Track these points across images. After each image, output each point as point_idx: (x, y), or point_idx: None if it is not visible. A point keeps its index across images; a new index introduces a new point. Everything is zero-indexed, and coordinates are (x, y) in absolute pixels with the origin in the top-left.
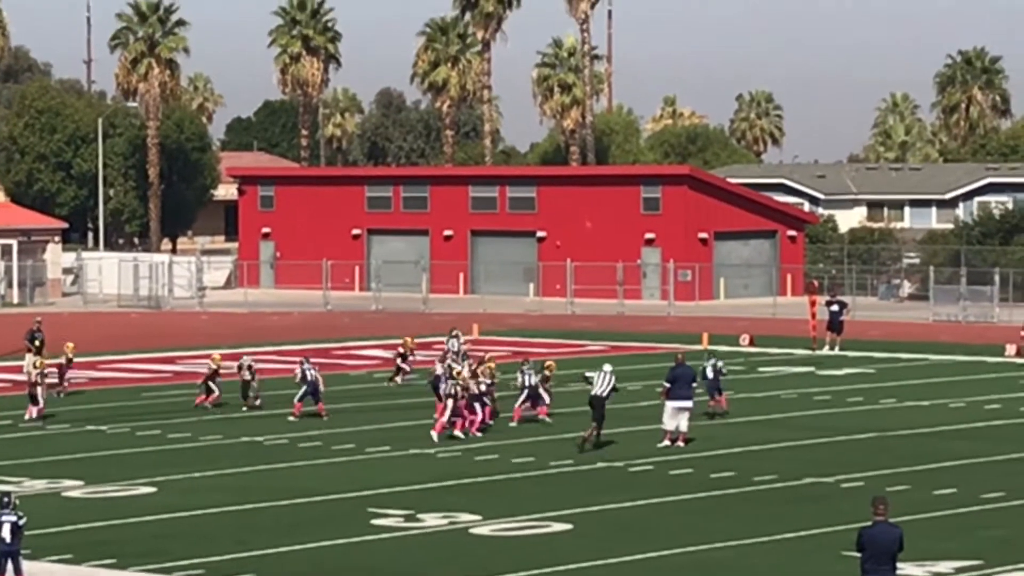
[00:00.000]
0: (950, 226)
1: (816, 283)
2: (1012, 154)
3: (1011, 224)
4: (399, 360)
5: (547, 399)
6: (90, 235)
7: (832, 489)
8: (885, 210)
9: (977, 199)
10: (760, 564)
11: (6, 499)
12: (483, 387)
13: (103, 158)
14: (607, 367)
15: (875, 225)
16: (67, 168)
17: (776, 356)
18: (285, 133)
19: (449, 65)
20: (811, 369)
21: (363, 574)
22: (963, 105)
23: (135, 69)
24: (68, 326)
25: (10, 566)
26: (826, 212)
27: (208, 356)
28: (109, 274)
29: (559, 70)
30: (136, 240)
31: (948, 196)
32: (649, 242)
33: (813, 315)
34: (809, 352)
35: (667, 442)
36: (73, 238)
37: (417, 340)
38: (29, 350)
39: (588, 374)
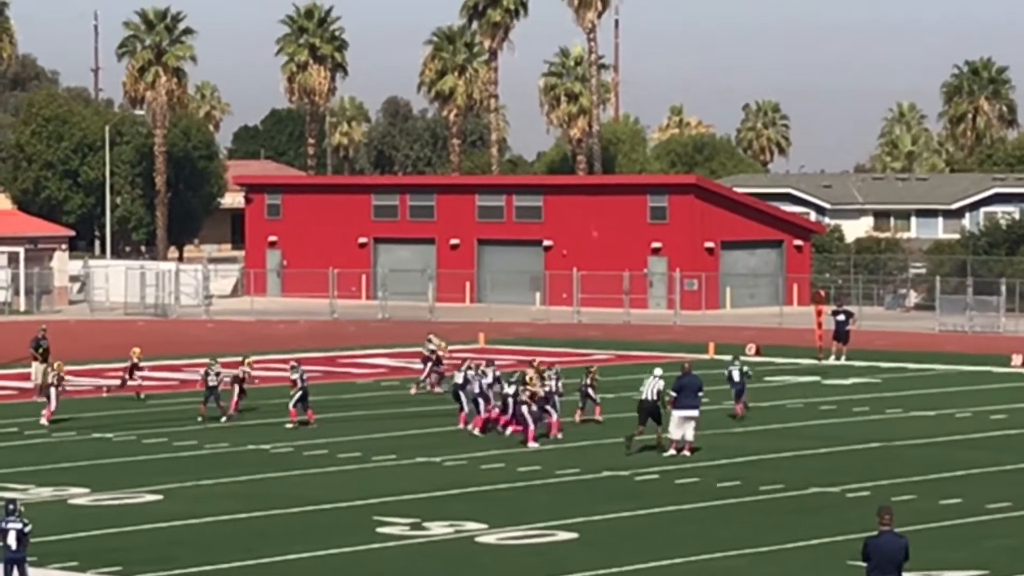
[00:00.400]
0: (956, 236)
1: (822, 293)
2: (1019, 164)
3: (1017, 234)
4: (432, 364)
5: (596, 400)
6: (97, 243)
7: (838, 499)
8: (891, 220)
9: (983, 209)
10: (766, 573)
11: (12, 506)
12: (548, 388)
13: (110, 166)
14: (658, 371)
15: (881, 235)
16: (74, 176)
17: (782, 365)
18: (292, 141)
19: (456, 74)
20: (817, 378)
21: None
22: (970, 115)
23: (142, 77)
24: (74, 334)
25: (16, 573)
26: (832, 222)
27: (237, 364)
28: (116, 282)
29: (566, 79)
30: (143, 248)
31: (954, 206)
32: (655, 251)
33: (819, 324)
34: (815, 362)
35: (673, 451)
36: (80, 246)
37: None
38: (35, 358)
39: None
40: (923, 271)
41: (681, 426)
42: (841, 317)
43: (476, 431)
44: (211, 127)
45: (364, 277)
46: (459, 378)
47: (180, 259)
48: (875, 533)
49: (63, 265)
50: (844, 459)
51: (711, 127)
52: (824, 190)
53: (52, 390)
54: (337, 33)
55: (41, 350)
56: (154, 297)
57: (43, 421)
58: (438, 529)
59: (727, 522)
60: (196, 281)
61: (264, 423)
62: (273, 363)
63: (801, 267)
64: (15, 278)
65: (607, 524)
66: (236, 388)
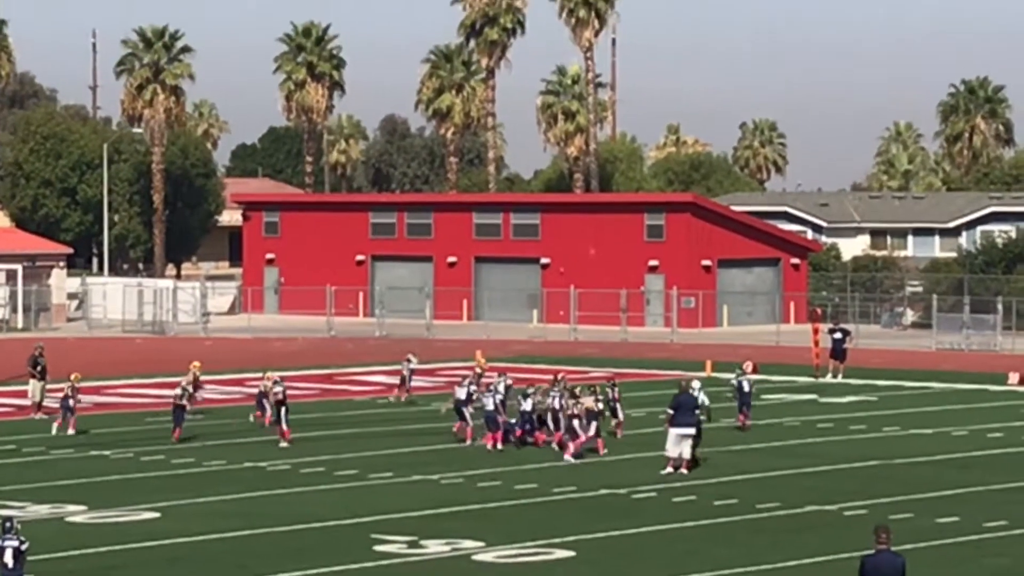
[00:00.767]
0: (953, 255)
1: (819, 311)
2: (1015, 183)
3: (1014, 253)
4: (474, 380)
5: (620, 415)
6: (95, 260)
7: (835, 517)
8: (888, 238)
9: (980, 228)
10: None
11: (8, 524)
12: (600, 405)
13: (108, 184)
14: (696, 383)
15: (878, 253)
16: (72, 194)
17: (779, 383)
18: (290, 159)
19: (453, 92)
20: (814, 397)
21: None
22: (966, 134)
23: (140, 95)
24: (72, 351)
25: None
26: (829, 240)
27: (263, 377)
28: (113, 299)
29: (563, 98)
30: (141, 265)
31: (951, 225)
32: (653, 269)
33: (816, 343)
34: (812, 380)
35: (670, 469)
36: (78, 263)
37: (424, 366)
38: (32, 375)
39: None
40: (920, 289)
41: (678, 444)
42: (838, 335)
43: (490, 446)
44: (209, 145)
45: (361, 295)
46: (461, 394)
47: (178, 276)
48: (872, 552)
49: (61, 282)
50: (841, 477)
51: (708, 146)
52: (821, 208)
53: (70, 401)
54: (335, 51)
55: (39, 368)
56: (152, 314)
57: (71, 431)
58: (435, 547)
59: (724, 540)
60: (194, 298)
61: (261, 440)
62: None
63: (798, 285)
64: (13, 295)
65: (604, 542)
66: (259, 401)
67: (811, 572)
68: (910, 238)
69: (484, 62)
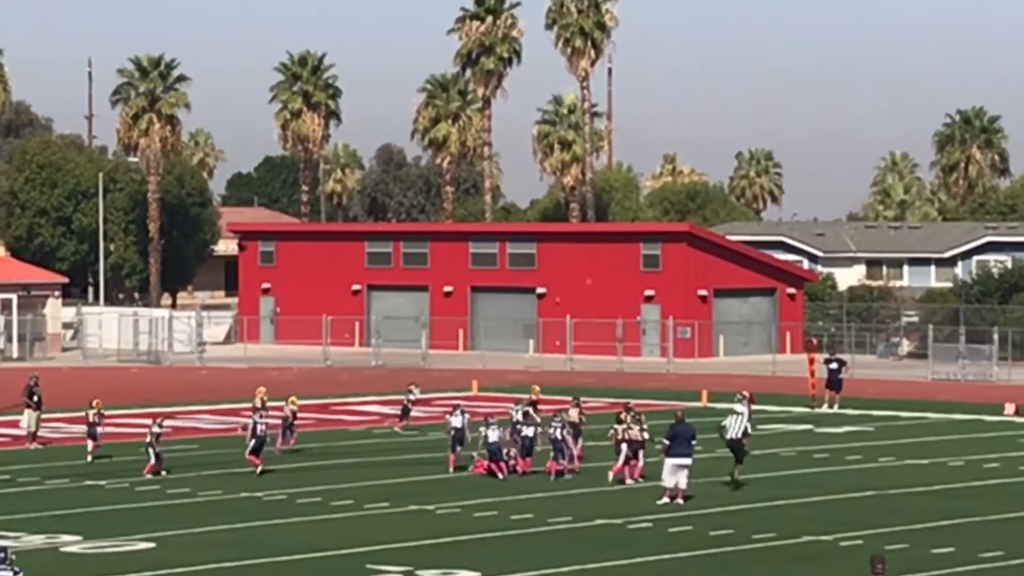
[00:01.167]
0: (949, 285)
1: (815, 341)
2: (1011, 213)
3: (1010, 283)
4: (531, 409)
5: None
6: (90, 290)
7: (831, 547)
8: (884, 268)
9: (976, 258)
10: None
11: (3, 554)
12: (645, 435)
13: (104, 213)
14: (740, 408)
15: (874, 283)
16: (67, 223)
17: (775, 414)
18: (286, 188)
19: (449, 121)
20: (810, 427)
21: None
22: (962, 164)
23: (136, 124)
24: (67, 381)
25: None
26: (825, 270)
27: (287, 404)
28: (109, 329)
29: (559, 127)
30: (136, 295)
31: (947, 255)
32: (649, 299)
33: (812, 373)
34: (808, 410)
35: (666, 499)
36: (73, 293)
37: (425, 395)
38: (28, 405)
39: (723, 423)
40: (916, 319)
41: (674, 474)
42: (834, 365)
43: (500, 475)
44: (205, 174)
45: (357, 324)
46: (456, 422)
47: (173, 306)
48: None
49: (56, 312)
50: (837, 508)
51: (704, 175)
52: (817, 238)
53: (96, 429)
54: (331, 80)
55: (35, 398)
56: (147, 344)
57: (88, 458)
58: None
59: (720, 571)
60: (189, 328)
61: (256, 471)
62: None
63: (794, 315)
64: (8, 325)
65: (600, 572)
66: (284, 428)
67: None
68: (906, 268)
69: (480, 91)
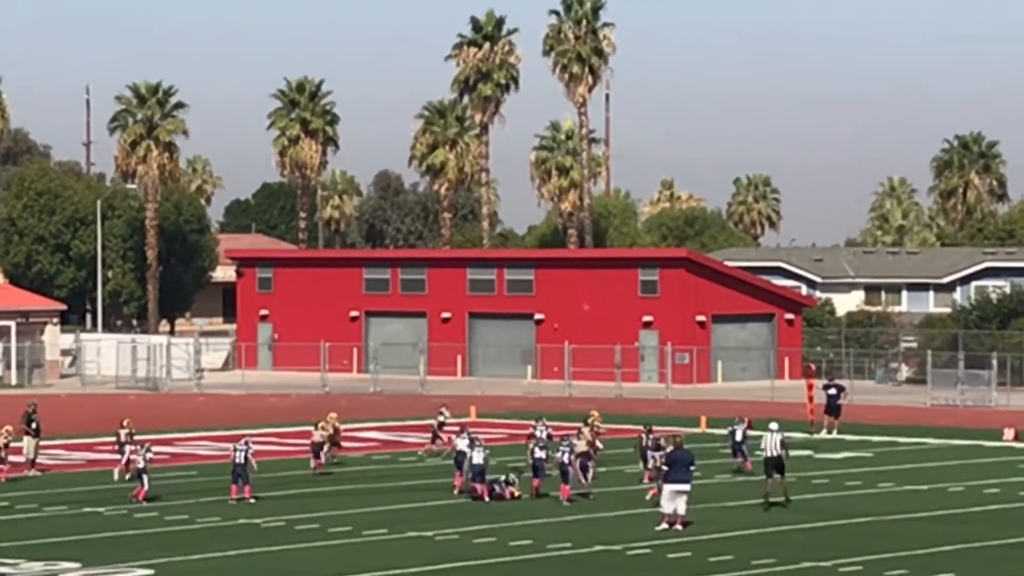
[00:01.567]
0: (947, 310)
1: (813, 366)
2: (1009, 238)
3: (1008, 308)
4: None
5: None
6: (88, 317)
7: (830, 573)
8: (883, 294)
9: (974, 283)
10: None
11: None
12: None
13: (102, 240)
14: (773, 425)
15: (872, 309)
16: (66, 250)
17: None
18: (283, 215)
19: (447, 148)
20: (809, 452)
21: None
22: (960, 189)
23: (134, 151)
24: (66, 408)
25: None
26: (823, 295)
27: (321, 425)
28: (107, 355)
29: (557, 153)
30: (134, 322)
31: (945, 280)
32: (647, 325)
33: (811, 398)
34: (807, 435)
35: (665, 525)
36: (71, 319)
37: (419, 422)
38: (27, 432)
39: (762, 445)
40: (914, 345)
41: (673, 500)
42: (832, 391)
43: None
44: (203, 201)
45: (355, 350)
46: (462, 445)
47: (171, 333)
48: None
49: (54, 339)
50: (836, 533)
51: (702, 201)
52: (815, 264)
53: (127, 448)
54: (328, 107)
55: (34, 425)
56: (145, 371)
57: (115, 476)
58: None
59: None
60: (187, 355)
61: (255, 496)
62: (265, 436)
63: (792, 341)
64: (6, 352)
65: None
66: (327, 445)
67: None
68: (904, 293)
69: (478, 118)
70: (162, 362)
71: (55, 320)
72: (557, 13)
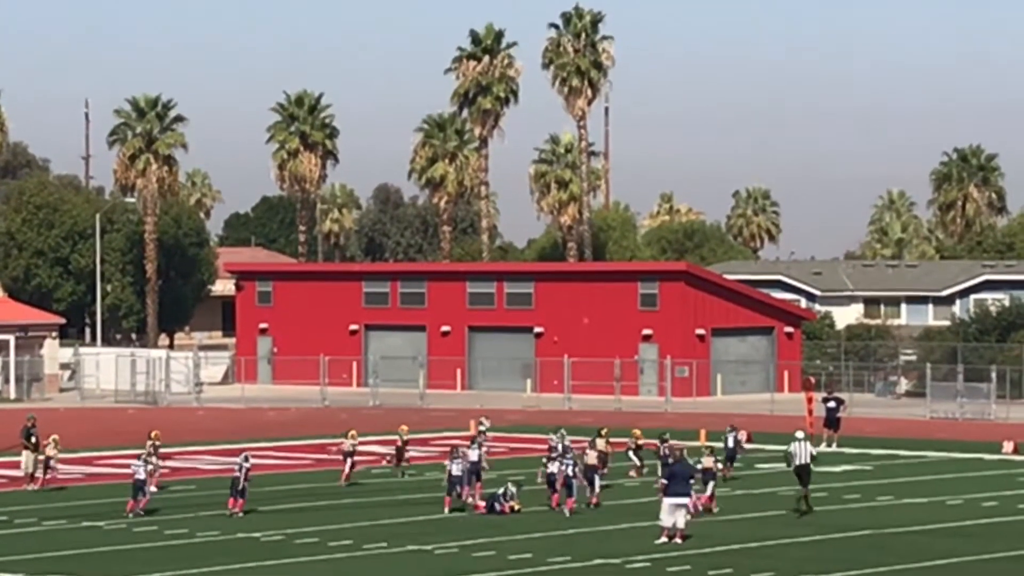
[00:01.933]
0: (947, 323)
1: (813, 379)
2: (1008, 251)
3: (1008, 321)
4: (632, 453)
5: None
6: (87, 330)
7: None
8: (882, 307)
9: (974, 296)
10: None
11: None
12: (719, 465)
13: (101, 254)
14: (799, 434)
15: (872, 322)
16: (65, 264)
17: (773, 452)
18: (283, 229)
19: (447, 161)
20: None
21: None
22: (959, 202)
23: (133, 165)
24: (65, 421)
25: None
26: (823, 309)
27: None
28: (106, 369)
29: (556, 166)
30: (133, 335)
31: (945, 293)
32: (646, 338)
33: (810, 411)
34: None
35: (664, 539)
36: (70, 333)
37: (416, 435)
38: (25, 447)
39: (790, 450)
40: (913, 358)
41: (672, 513)
42: (832, 404)
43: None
44: (202, 214)
45: (355, 364)
46: (472, 456)
47: (171, 346)
48: None
49: (53, 353)
50: (835, 547)
51: (701, 214)
52: (814, 277)
53: (153, 458)
54: (328, 120)
55: (33, 439)
56: (145, 385)
57: (153, 488)
58: None
59: None
60: (187, 368)
61: (253, 511)
62: (264, 450)
63: (792, 354)
64: (5, 366)
65: None
66: (348, 461)
67: None
68: (904, 306)
69: (477, 131)
70: (161, 376)
71: (54, 334)
72: (556, 26)
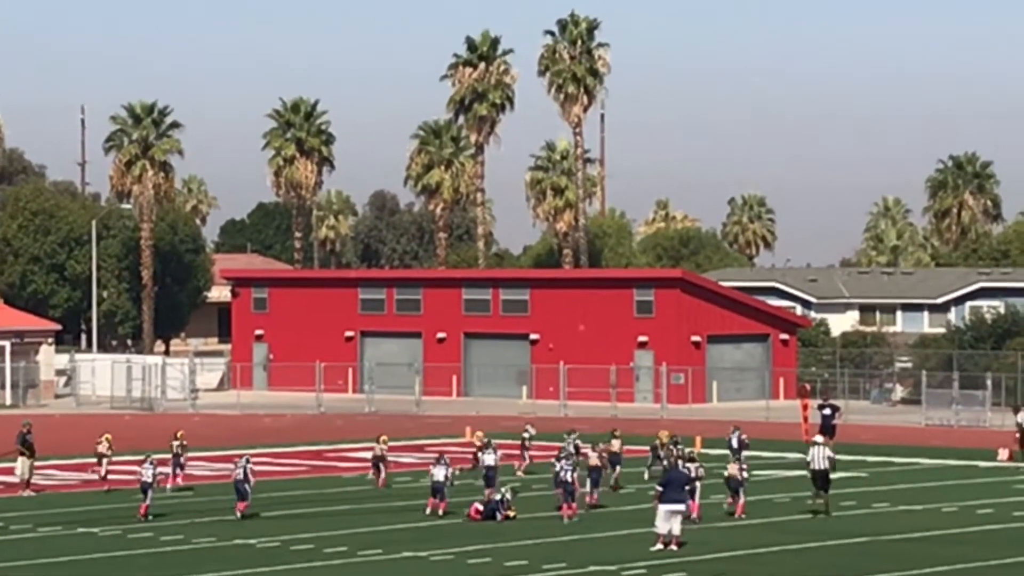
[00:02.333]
0: (942, 330)
1: (808, 386)
2: (1003, 259)
3: (1003, 329)
4: (654, 455)
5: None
6: (83, 337)
7: None
8: (877, 314)
9: (969, 303)
10: None
11: None
12: (745, 474)
13: (97, 260)
14: (819, 439)
15: (867, 329)
16: (60, 270)
17: (769, 459)
18: (279, 235)
19: (442, 168)
20: (804, 473)
21: None
22: (955, 210)
23: (129, 171)
24: (60, 428)
25: None
26: (818, 316)
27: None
28: (102, 376)
29: (552, 173)
30: (129, 342)
31: (940, 300)
32: (642, 345)
33: (805, 418)
34: (802, 456)
35: (660, 545)
36: (66, 340)
37: (413, 442)
38: (22, 453)
39: (808, 457)
40: (909, 365)
41: (668, 520)
42: (827, 411)
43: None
44: (198, 221)
45: (351, 370)
46: (489, 460)
47: (166, 353)
48: None
49: (49, 359)
50: (831, 554)
51: (697, 221)
52: (810, 284)
53: (181, 459)
54: (324, 127)
55: (28, 445)
56: (140, 391)
57: (168, 486)
58: None
59: None
60: (182, 375)
61: (256, 515)
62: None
63: (787, 361)
64: (1, 372)
65: None
66: (380, 467)
67: None
68: (899, 314)
69: (473, 138)
70: (157, 382)
71: (50, 340)
72: (552, 33)
